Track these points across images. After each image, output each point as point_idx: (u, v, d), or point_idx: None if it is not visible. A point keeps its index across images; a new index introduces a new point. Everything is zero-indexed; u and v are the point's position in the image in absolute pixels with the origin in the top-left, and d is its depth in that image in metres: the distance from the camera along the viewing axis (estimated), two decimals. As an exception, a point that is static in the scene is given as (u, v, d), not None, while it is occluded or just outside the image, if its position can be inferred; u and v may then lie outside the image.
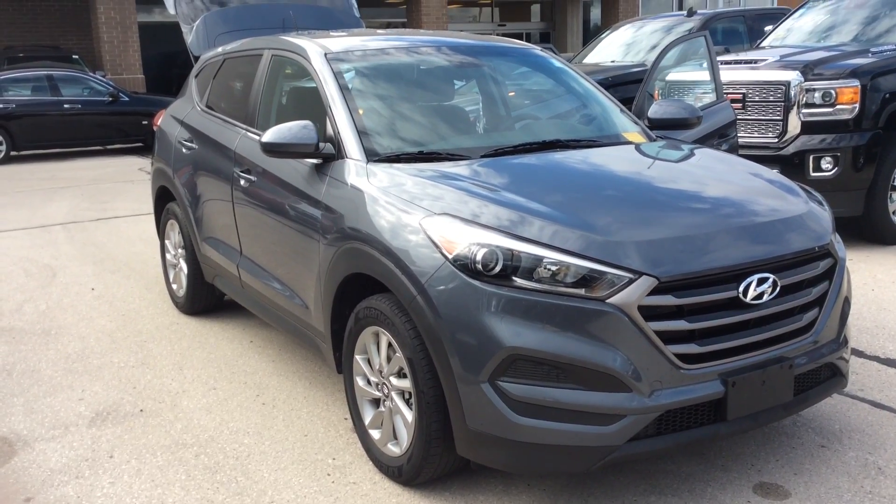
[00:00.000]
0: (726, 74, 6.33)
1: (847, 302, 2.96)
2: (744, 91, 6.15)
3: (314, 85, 3.57)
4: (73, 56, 19.35)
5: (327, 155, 3.26)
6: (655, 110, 3.87)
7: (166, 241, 5.16)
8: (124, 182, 11.00)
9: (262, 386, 3.83)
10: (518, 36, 21.85)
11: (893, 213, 5.99)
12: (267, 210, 3.69)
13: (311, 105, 3.58)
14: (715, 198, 2.92)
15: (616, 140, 3.61)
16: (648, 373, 2.44)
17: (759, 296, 2.58)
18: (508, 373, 2.46)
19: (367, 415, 3.04)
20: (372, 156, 3.17)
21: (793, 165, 5.84)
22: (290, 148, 3.20)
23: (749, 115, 6.13)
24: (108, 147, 15.08)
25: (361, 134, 3.25)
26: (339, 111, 3.35)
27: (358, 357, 3.04)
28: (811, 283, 2.76)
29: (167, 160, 4.94)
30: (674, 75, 6.51)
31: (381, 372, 2.93)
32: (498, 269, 2.50)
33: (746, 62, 6.37)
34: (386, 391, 2.91)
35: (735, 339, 2.57)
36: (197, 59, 5.26)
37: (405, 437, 2.81)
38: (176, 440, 3.30)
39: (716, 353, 2.54)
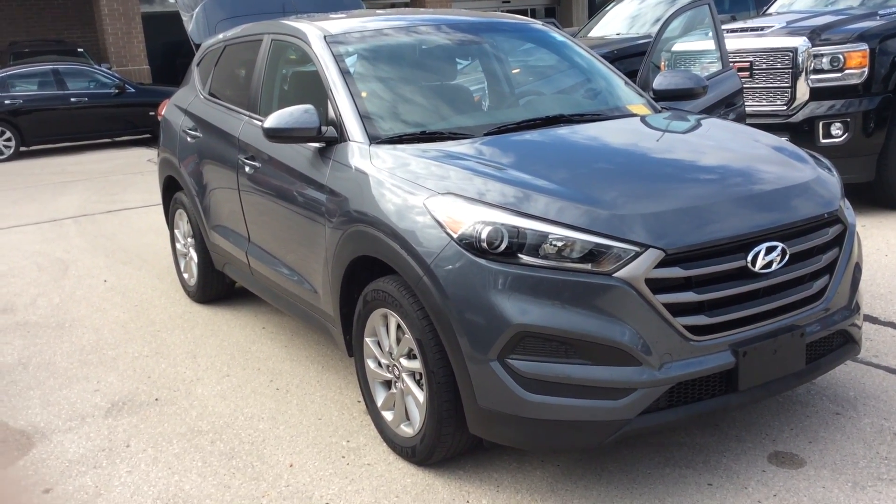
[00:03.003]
0: (733, 43, 6.25)
1: (858, 268, 2.93)
2: (751, 59, 6.07)
3: (315, 69, 3.55)
4: (79, 49, 19.37)
5: (330, 138, 3.25)
6: (660, 81, 3.82)
7: (176, 231, 5.18)
8: (133, 173, 11.04)
9: (275, 371, 3.85)
10: (523, 12, 21.62)
11: (906, 177, 5.91)
12: (272, 196, 3.69)
13: (313, 89, 3.56)
14: (721, 167, 2.88)
15: (620, 113, 3.57)
16: (658, 346, 2.43)
17: (768, 264, 2.56)
18: (517, 350, 2.46)
19: (380, 397, 3.05)
20: (375, 138, 3.15)
21: (802, 133, 5.77)
22: (292, 132, 3.19)
23: (757, 83, 6.05)
24: (116, 139, 15.13)
25: (363, 116, 3.24)
26: (341, 94, 3.33)
27: (368, 340, 3.05)
28: (821, 251, 2.73)
29: (172, 150, 4.95)
30: (679, 45, 6.43)
31: (391, 354, 2.93)
32: (503, 246, 2.49)
33: (753, 30, 6.28)
34: (397, 373, 2.92)
35: (745, 309, 2.55)
36: (198, 47, 5.25)
37: (417, 417, 2.82)
38: (192, 427, 3.33)
39: (725, 323, 2.53)
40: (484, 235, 2.50)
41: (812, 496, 2.58)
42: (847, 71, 5.67)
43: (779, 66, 5.91)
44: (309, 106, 3.22)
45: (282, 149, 3.57)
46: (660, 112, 3.65)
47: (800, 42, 5.81)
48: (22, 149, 14.16)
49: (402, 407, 2.91)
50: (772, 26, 6.17)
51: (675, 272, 2.45)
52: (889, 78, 5.68)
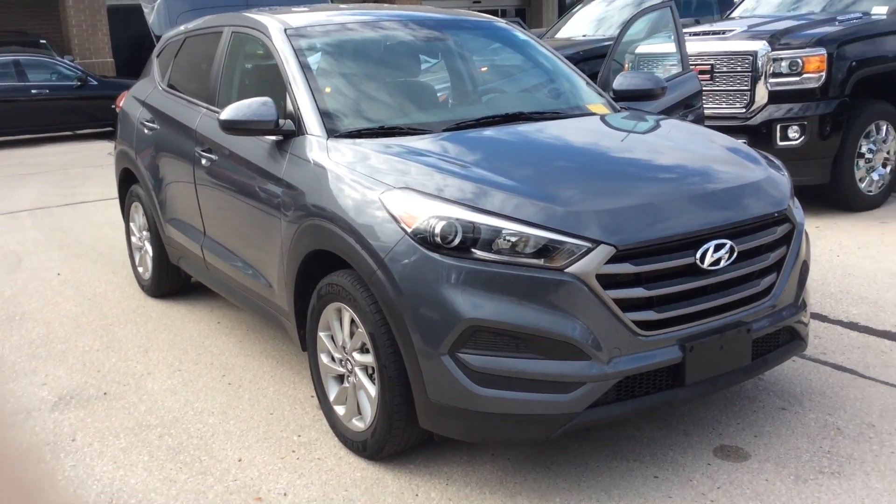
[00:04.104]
0: (695, 45, 6.34)
1: (805, 266, 2.98)
2: (712, 62, 6.15)
3: (275, 62, 3.52)
4: (41, 41, 18.98)
5: (287, 132, 3.22)
6: (620, 82, 3.86)
7: (131, 224, 5.10)
8: (93, 167, 10.85)
9: (228, 366, 3.81)
10: (493, 12, 21.64)
11: (860, 180, 6.04)
12: (229, 189, 3.65)
13: (272, 82, 3.53)
14: (674, 166, 2.92)
15: (580, 112, 3.60)
16: (607, 340, 2.45)
17: (717, 261, 2.60)
18: (468, 344, 2.46)
19: (332, 391, 3.03)
20: (332, 132, 3.13)
21: (760, 135, 5.87)
22: (248, 125, 3.16)
23: (717, 85, 6.14)
24: (78, 132, 14.85)
25: (322, 110, 3.21)
26: (299, 87, 3.31)
27: (321, 334, 3.03)
28: (769, 249, 2.78)
29: (129, 142, 4.87)
30: (643, 48, 6.50)
31: (344, 348, 2.92)
32: (457, 241, 2.49)
33: (714, 33, 6.37)
34: (349, 367, 2.90)
35: (693, 305, 2.58)
36: (159, 38, 5.17)
37: (369, 411, 2.81)
38: (140, 422, 3.28)
39: (674, 319, 2.56)
40: (438, 230, 2.50)
41: (755, 489, 2.62)
42: (805, 75, 5.78)
43: (739, 69, 6.00)
44: (267, 98, 3.19)
45: (239, 141, 3.53)
46: (618, 112, 3.68)
47: (759, 46, 5.90)
48: (-20, 140, 13.85)
49: (354, 401, 2.90)
50: (733, 30, 6.26)
51: (626, 268, 2.47)
52: (846, 82, 5.80)
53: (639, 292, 2.49)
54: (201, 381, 3.66)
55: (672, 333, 2.55)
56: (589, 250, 2.43)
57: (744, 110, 5.98)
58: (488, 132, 3.14)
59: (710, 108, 6.16)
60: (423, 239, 2.51)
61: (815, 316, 4.11)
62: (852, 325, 3.96)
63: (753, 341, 2.72)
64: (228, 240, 3.77)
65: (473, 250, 2.47)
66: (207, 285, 4.24)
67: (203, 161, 3.84)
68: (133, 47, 20.02)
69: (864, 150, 6.00)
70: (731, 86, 6.05)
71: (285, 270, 3.17)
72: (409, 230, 2.55)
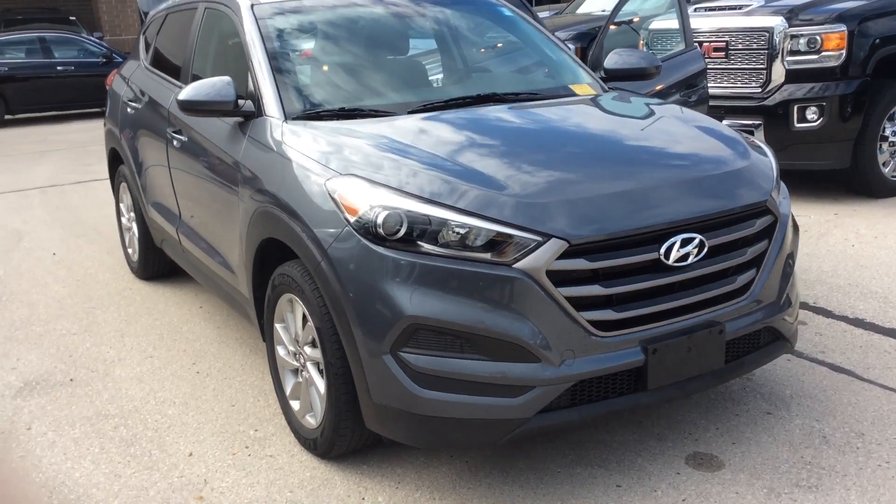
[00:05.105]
0: (710, 21, 6.04)
1: (791, 260, 2.76)
2: (727, 39, 5.85)
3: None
4: (70, 18, 19.13)
5: (247, 113, 3.08)
6: (612, 60, 3.63)
7: (120, 205, 5.04)
8: (111, 145, 10.87)
9: (200, 353, 3.72)
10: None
11: (883, 164, 5.71)
12: (196, 172, 3.53)
13: (240, 61, 3.38)
14: (644, 154, 2.72)
15: (561, 93, 3.39)
16: (559, 341, 2.28)
17: (684, 257, 2.39)
18: (410, 343, 2.31)
19: (288, 385, 2.91)
20: (291, 114, 2.98)
21: (776, 116, 5.57)
22: (207, 106, 3.03)
23: (733, 63, 5.84)
24: (103, 109, 14.93)
25: (282, 90, 3.06)
26: (261, 66, 3.16)
27: (277, 325, 2.91)
28: (747, 243, 2.56)
29: (115, 121, 4.79)
30: (657, 23, 6.22)
31: (297, 341, 2.79)
32: (402, 233, 2.33)
33: (731, 8, 6.05)
34: (302, 361, 2.78)
35: (657, 304, 2.39)
36: (146, 15, 5.07)
37: (319, 409, 2.68)
38: (99, 411, 3.20)
39: (635, 318, 2.37)
40: (380, 220, 2.34)
41: (723, 502, 2.44)
42: (824, 53, 5.45)
43: (754, 46, 5.69)
44: (227, 78, 3.06)
45: (204, 122, 3.41)
46: (605, 93, 3.46)
47: (777, 22, 5.59)
48: (7, 117, 14.01)
49: (308, 397, 2.77)
50: (750, 4, 5.93)
51: (580, 264, 2.29)
52: (868, 61, 5.46)
53: (595, 290, 2.31)
54: (170, 368, 3.58)
55: (634, 334, 2.37)
56: (539, 244, 2.25)
57: (759, 90, 5.67)
58: (452, 115, 2.96)
59: (724, 87, 5.87)
60: (366, 230, 2.36)
61: (820, 311, 3.87)
62: (857, 322, 3.72)
63: (728, 343, 2.52)
64: (198, 223, 3.67)
65: (419, 243, 2.31)
66: (185, 269, 4.15)
67: (175, 142, 3.73)
68: (162, 24, 20.07)
69: (887, 132, 5.66)
70: (747, 64, 5.74)
71: (244, 257, 3.05)
72: (351, 220, 2.39)
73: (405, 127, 2.83)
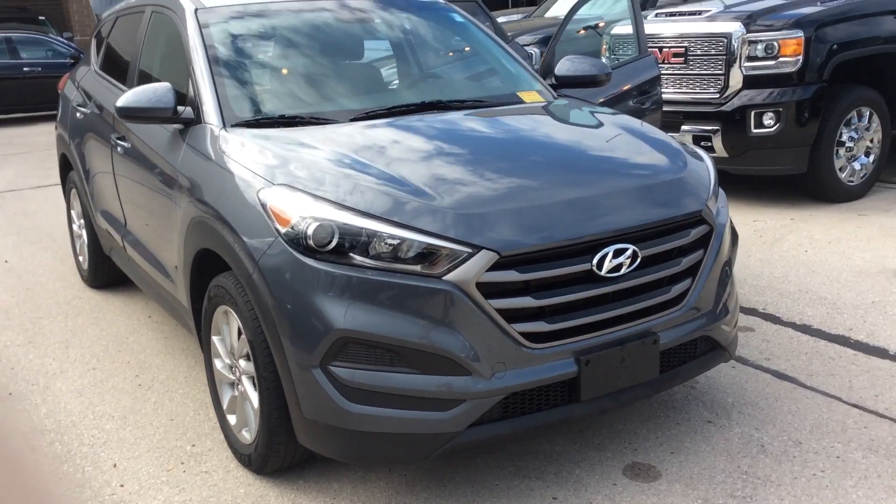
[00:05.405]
0: (670, 27, 6.06)
1: (728, 268, 2.75)
2: (686, 45, 5.87)
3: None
4: (40, 18, 18.85)
5: (187, 120, 3.03)
6: (562, 67, 3.62)
7: (71, 212, 4.95)
8: (76, 148, 10.72)
9: (144, 365, 3.66)
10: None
11: (840, 169, 5.76)
12: (139, 179, 3.47)
13: (185, 65, 3.33)
14: (579, 164, 2.70)
15: (508, 100, 3.37)
16: (490, 354, 2.26)
17: (617, 268, 2.38)
18: (340, 357, 2.27)
19: (225, 399, 2.87)
20: (230, 120, 2.94)
21: (734, 122, 5.59)
22: (145, 113, 2.98)
23: (692, 69, 5.86)
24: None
25: (221, 97, 3.02)
26: (202, 72, 3.11)
27: (214, 338, 2.86)
28: (681, 253, 2.56)
29: (66, 126, 4.71)
30: (618, 29, 6.23)
31: (233, 354, 2.75)
32: (333, 244, 2.29)
33: (690, 13, 6.07)
34: (237, 374, 2.74)
35: (590, 315, 2.37)
36: (100, 18, 4.99)
37: (253, 424, 2.64)
38: (35, 426, 3.13)
39: (568, 330, 2.35)
40: (311, 232, 2.30)
41: (656, 515, 2.43)
42: (781, 59, 5.48)
43: (713, 52, 5.71)
44: (166, 84, 3.01)
45: (146, 129, 3.36)
46: (553, 101, 3.45)
47: (735, 27, 5.61)
48: (-29, 119, 13.78)
49: (243, 411, 2.73)
50: (709, 10, 5.96)
51: (511, 276, 2.27)
52: (824, 67, 5.49)
53: (527, 302, 2.29)
54: (112, 381, 3.51)
55: (567, 346, 2.35)
56: (469, 256, 2.23)
57: (717, 96, 5.70)
58: (391, 124, 2.93)
59: (684, 93, 5.89)
60: (297, 241, 2.32)
61: (768, 317, 3.88)
62: (805, 328, 3.74)
63: (662, 353, 2.51)
64: (141, 232, 3.60)
65: (349, 255, 2.28)
66: (132, 279, 4.08)
67: (119, 149, 3.67)
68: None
69: (844, 138, 5.71)
70: (706, 70, 5.76)
71: (182, 268, 2.99)
72: (282, 231, 2.36)
73: (344, 135, 2.79)
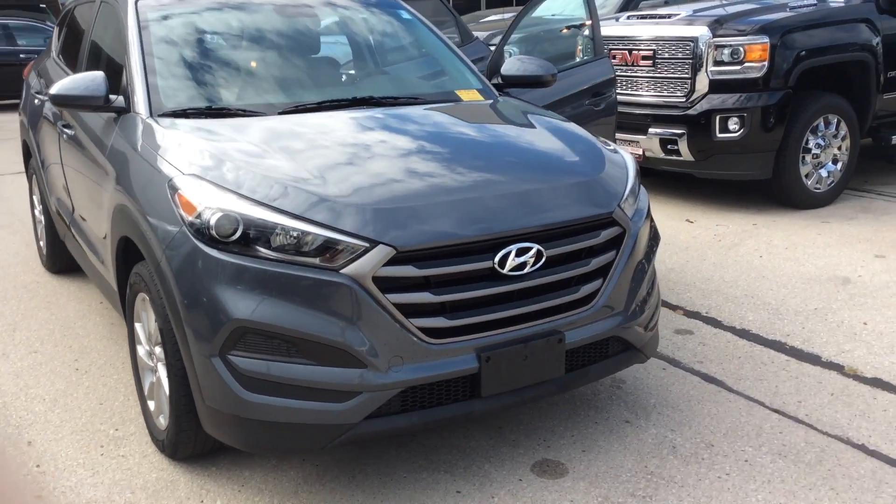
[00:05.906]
0: (638, 30, 6.07)
1: (642, 269, 2.76)
2: (654, 48, 5.88)
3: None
4: (41, 5, 18.92)
5: (118, 108, 3.07)
6: (508, 67, 3.65)
7: (33, 197, 4.99)
8: (63, 135, 10.77)
9: (85, 350, 3.70)
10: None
11: (806, 176, 5.76)
12: (80, 166, 3.50)
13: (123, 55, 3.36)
14: (494, 162, 2.72)
15: (443, 98, 3.40)
16: (387, 348, 2.28)
17: (521, 266, 2.41)
18: (238, 346, 2.30)
19: (146, 385, 2.90)
20: (158, 110, 2.97)
21: (699, 126, 5.60)
22: (76, 101, 3.01)
23: (659, 72, 5.87)
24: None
25: (151, 87, 3.04)
26: (135, 62, 3.14)
27: (137, 325, 2.89)
28: (592, 253, 2.58)
29: (26, 113, 4.75)
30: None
31: (150, 340, 2.78)
32: (237, 236, 2.32)
33: (659, 17, 6.08)
34: (154, 361, 2.77)
35: (492, 313, 2.40)
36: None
37: (166, 410, 2.67)
38: (-35, 407, 3.18)
39: (470, 326, 2.38)
40: (213, 222, 2.33)
41: (553, 511, 2.46)
42: (747, 64, 5.49)
43: (680, 56, 5.72)
44: (100, 73, 3.04)
45: (86, 117, 3.39)
46: (492, 100, 3.47)
47: (702, 32, 5.62)
48: (-35, 104, 13.85)
49: (159, 398, 2.76)
50: (678, 14, 5.97)
51: (409, 271, 2.29)
52: (790, 73, 5.50)
53: (426, 297, 2.31)
54: (51, 364, 3.55)
55: (468, 342, 2.37)
56: (367, 250, 2.26)
57: (684, 99, 5.71)
58: (317, 117, 2.95)
59: (651, 96, 5.91)
60: (200, 231, 2.35)
61: (710, 321, 3.90)
62: (743, 333, 3.76)
63: (568, 352, 2.54)
64: (83, 218, 3.64)
65: (252, 246, 2.31)
66: (79, 264, 4.11)
67: (64, 136, 3.71)
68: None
69: (811, 145, 5.71)
70: (673, 73, 5.77)
71: (110, 254, 3.03)
72: (187, 220, 2.39)
73: (264, 129, 2.82)
